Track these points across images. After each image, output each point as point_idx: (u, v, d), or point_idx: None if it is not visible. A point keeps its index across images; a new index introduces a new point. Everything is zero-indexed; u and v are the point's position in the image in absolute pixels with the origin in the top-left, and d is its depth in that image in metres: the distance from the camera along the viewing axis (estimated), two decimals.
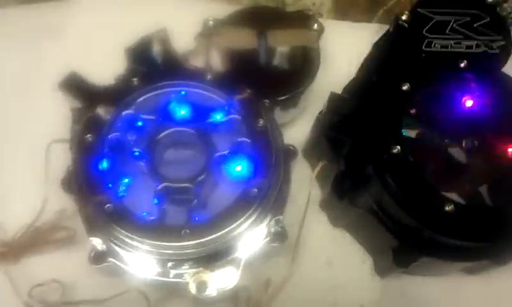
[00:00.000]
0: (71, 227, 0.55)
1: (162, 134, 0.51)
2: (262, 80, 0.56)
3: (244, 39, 0.59)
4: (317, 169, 0.57)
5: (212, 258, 0.49)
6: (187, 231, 0.45)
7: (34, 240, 0.55)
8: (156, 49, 0.54)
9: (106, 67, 0.55)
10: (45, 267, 0.55)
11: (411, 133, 0.52)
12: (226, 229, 0.46)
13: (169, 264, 0.48)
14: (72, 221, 0.55)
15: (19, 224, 0.56)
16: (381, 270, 0.58)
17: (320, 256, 0.59)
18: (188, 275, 0.48)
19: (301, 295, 0.56)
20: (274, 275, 0.56)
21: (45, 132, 0.58)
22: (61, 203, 0.55)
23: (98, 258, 0.49)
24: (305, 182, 0.59)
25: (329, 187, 0.58)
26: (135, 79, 0.51)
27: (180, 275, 0.49)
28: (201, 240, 0.45)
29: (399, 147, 0.49)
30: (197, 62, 0.56)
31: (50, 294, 0.53)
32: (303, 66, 0.59)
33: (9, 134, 0.62)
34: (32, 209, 0.56)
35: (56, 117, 0.58)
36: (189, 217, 0.47)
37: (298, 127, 0.64)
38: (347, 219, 0.58)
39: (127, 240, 0.46)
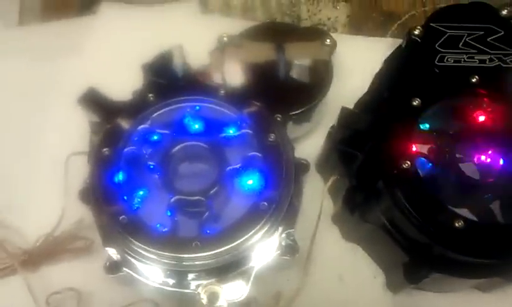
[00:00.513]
0: (88, 237, 0.57)
1: (176, 148, 0.52)
2: (275, 95, 0.57)
3: (258, 55, 0.60)
4: (329, 183, 0.57)
5: (224, 269, 0.49)
6: (198, 243, 0.46)
7: (53, 249, 0.57)
8: (172, 65, 0.56)
9: (124, 82, 0.57)
10: (62, 275, 0.57)
11: (422, 148, 0.52)
12: (237, 242, 0.47)
13: (182, 275, 0.50)
14: (89, 231, 0.57)
15: (38, 233, 0.57)
16: (393, 286, 0.58)
17: (331, 271, 0.59)
18: (200, 287, 0.50)
19: None
20: (285, 288, 0.57)
21: (64, 144, 0.60)
22: (79, 213, 0.57)
23: (113, 267, 0.50)
24: (318, 196, 0.60)
25: (341, 201, 0.58)
26: (151, 95, 0.53)
27: (191, 286, 0.50)
28: (212, 252, 0.46)
29: (409, 162, 0.49)
30: (211, 78, 0.57)
31: (66, 302, 0.54)
32: (315, 81, 0.60)
33: (31, 147, 0.64)
34: (51, 219, 0.58)
35: (75, 130, 0.60)
36: (200, 229, 0.48)
37: (311, 141, 0.65)
38: (359, 234, 0.59)
39: (139, 250, 0.47)
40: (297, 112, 0.57)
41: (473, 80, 0.53)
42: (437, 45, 0.57)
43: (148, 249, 0.46)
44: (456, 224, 0.47)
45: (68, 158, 0.59)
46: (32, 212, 0.60)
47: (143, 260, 0.47)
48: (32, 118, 0.66)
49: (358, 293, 0.58)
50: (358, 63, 0.66)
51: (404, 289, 0.57)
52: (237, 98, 0.54)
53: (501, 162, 0.53)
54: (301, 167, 0.55)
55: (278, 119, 0.54)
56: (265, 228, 0.48)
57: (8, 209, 0.60)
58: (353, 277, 0.59)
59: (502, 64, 0.57)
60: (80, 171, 0.55)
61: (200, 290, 0.49)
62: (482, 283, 0.56)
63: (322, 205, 0.58)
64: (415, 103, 0.51)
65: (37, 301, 0.54)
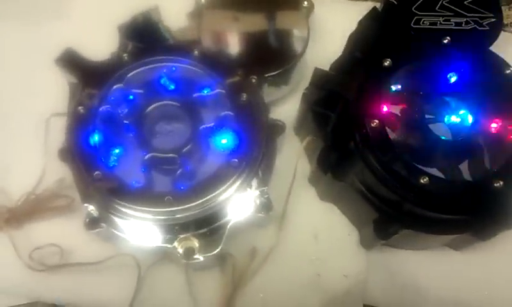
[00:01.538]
0: (69, 195, 0.58)
1: (151, 107, 0.53)
2: (251, 57, 0.58)
3: (235, 17, 0.60)
4: (304, 143, 0.58)
5: (198, 224, 0.51)
6: (170, 198, 0.48)
7: (35, 207, 0.58)
8: (148, 26, 0.57)
9: (104, 44, 0.58)
10: (45, 232, 0.58)
11: (393, 109, 0.53)
12: (208, 197, 0.48)
13: (158, 230, 0.51)
14: (70, 190, 0.58)
15: (21, 192, 0.59)
16: (366, 243, 0.59)
17: (306, 229, 0.60)
18: (175, 242, 0.51)
19: (286, 266, 0.58)
20: (261, 245, 0.59)
21: (45, 106, 0.61)
22: (60, 172, 0.58)
23: (92, 223, 0.52)
24: (295, 157, 0.61)
25: (314, 162, 0.59)
26: (125, 55, 0.53)
27: (169, 241, 0.52)
28: (183, 206, 0.48)
29: (377, 121, 0.50)
30: (187, 40, 0.58)
31: (49, 257, 0.56)
32: (291, 44, 0.60)
33: (12, 108, 0.65)
34: (33, 178, 0.60)
35: (55, 92, 0.61)
36: (173, 185, 0.50)
37: (289, 104, 0.66)
38: (333, 193, 0.60)
39: (115, 206, 0.49)
40: (272, 74, 0.58)
41: (445, 41, 0.54)
42: (414, 8, 0.57)
43: (122, 203, 0.48)
44: (422, 181, 0.48)
45: (49, 119, 0.60)
46: (15, 171, 0.62)
47: (119, 215, 0.49)
48: (13, 79, 0.67)
49: (333, 251, 0.60)
50: (336, 26, 0.66)
51: (377, 246, 0.59)
52: (212, 59, 0.54)
53: (470, 121, 0.54)
54: (277, 128, 0.56)
55: (253, 80, 0.54)
56: (237, 184, 0.49)
57: None
58: (328, 235, 0.60)
59: (477, 27, 0.57)
60: (60, 131, 0.56)
61: (175, 244, 0.51)
62: (454, 240, 0.58)
63: (297, 165, 0.59)
64: (386, 64, 0.52)
65: (21, 257, 0.56)
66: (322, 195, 0.62)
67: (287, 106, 0.65)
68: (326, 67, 0.60)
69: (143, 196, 0.48)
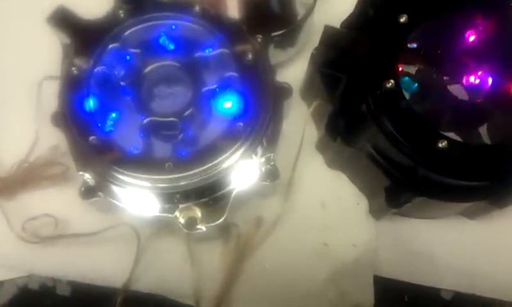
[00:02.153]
0: (64, 163, 0.55)
1: (149, 68, 0.50)
2: (255, 16, 0.54)
3: None
4: (312, 108, 0.55)
5: (201, 193, 0.48)
6: (171, 164, 0.45)
7: (28, 175, 0.56)
8: None
9: (97, 1, 0.54)
10: (38, 202, 0.55)
11: (409, 68, 0.50)
12: (211, 164, 0.45)
13: (158, 199, 0.48)
14: (65, 158, 0.55)
15: (13, 160, 0.56)
16: (376, 212, 0.57)
17: (313, 197, 0.58)
18: (177, 211, 0.49)
19: (293, 235, 0.56)
20: (267, 214, 0.56)
21: (37, 68, 0.58)
22: (54, 139, 0.55)
23: (89, 193, 0.49)
24: (302, 122, 0.58)
25: (322, 128, 0.56)
26: (121, 12, 0.50)
27: (169, 211, 0.49)
28: (185, 173, 0.45)
29: (392, 82, 0.47)
30: None
31: (43, 228, 0.53)
32: (296, 2, 0.56)
33: (1, 71, 0.62)
34: (25, 145, 0.56)
35: (47, 53, 0.57)
36: (174, 151, 0.47)
37: (296, 66, 0.62)
38: (342, 160, 0.57)
39: (114, 173, 0.46)
40: (278, 33, 0.54)
41: None
42: None
43: (120, 170, 0.45)
44: (440, 145, 0.45)
45: (41, 83, 0.56)
46: (6, 138, 0.58)
47: (116, 183, 0.46)
48: (3, 41, 0.63)
49: (341, 219, 0.57)
50: None
51: (386, 215, 0.57)
52: (214, 16, 0.51)
53: (489, 82, 0.51)
54: (283, 91, 0.53)
55: (259, 40, 0.51)
56: (241, 150, 0.46)
57: None
58: (336, 204, 0.58)
59: None
60: (54, 95, 0.53)
61: (177, 214, 0.49)
62: (468, 209, 0.55)
63: (304, 131, 0.56)
64: (402, 20, 0.49)
65: (13, 228, 0.53)
66: (329, 162, 0.59)
67: (293, 69, 0.62)
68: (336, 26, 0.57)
69: (142, 162, 0.45)
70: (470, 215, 0.57)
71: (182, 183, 0.45)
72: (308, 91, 0.59)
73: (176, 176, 0.45)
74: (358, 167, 0.55)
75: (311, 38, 0.63)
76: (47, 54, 0.58)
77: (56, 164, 0.55)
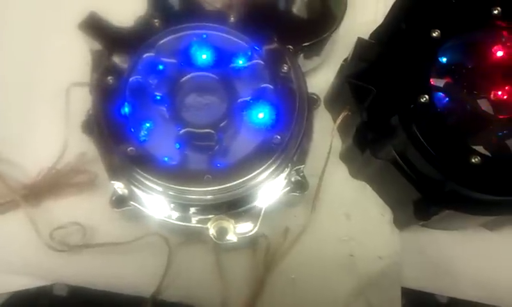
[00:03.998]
0: (91, 171, 0.55)
1: (184, 79, 0.50)
2: (286, 25, 0.54)
3: None
4: (340, 119, 0.55)
5: (233, 204, 0.48)
6: (209, 176, 0.45)
7: (55, 183, 0.55)
8: None
9: (127, 8, 0.53)
10: (65, 210, 0.55)
11: (438, 82, 0.51)
12: (249, 176, 0.45)
13: (191, 209, 0.48)
14: (92, 165, 0.55)
15: (39, 167, 0.56)
16: (400, 224, 0.58)
17: (339, 208, 0.58)
18: (209, 222, 0.49)
19: (319, 246, 0.56)
20: (292, 225, 0.56)
21: (64, 74, 0.58)
22: (81, 146, 0.55)
23: (120, 201, 0.49)
24: (325, 133, 0.58)
25: (349, 138, 0.57)
26: (156, 21, 0.50)
27: (201, 221, 0.49)
28: (223, 185, 0.45)
29: (426, 96, 0.47)
30: (220, 5, 0.54)
31: (71, 236, 0.53)
32: (328, 12, 0.57)
33: (29, 77, 0.61)
34: (52, 152, 0.56)
35: (75, 60, 0.57)
36: (210, 162, 0.47)
37: (320, 76, 0.62)
38: (367, 172, 0.58)
39: (149, 183, 0.46)
40: (309, 43, 0.54)
41: (495, 12, 0.51)
42: None
43: (159, 181, 0.45)
44: (473, 160, 0.46)
45: (69, 89, 0.56)
46: (32, 145, 0.58)
47: (153, 193, 0.46)
48: (32, 46, 0.63)
49: (365, 231, 0.57)
50: None
51: (411, 227, 0.57)
52: (248, 27, 0.51)
53: None
54: (311, 102, 0.53)
55: (290, 50, 0.51)
56: (278, 162, 0.46)
57: (7, 143, 0.58)
58: (360, 215, 0.58)
59: None
60: (82, 102, 0.53)
61: (209, 224, 0.49)
62: (490, 221, 0.56)
63: (332, 142, 0.56)
64: (434, 35, 0.49)
65: (41, 236, 0.53)
66: (354, 173, 0.60)
67: (317, 79, 0.62)
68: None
69: (180, 174, 0.45)
70: (492, 227, 0.58)
71: (219, 195, 0.46)
72: (334, 102, 0.59)
73: (214, 188, 0.45)
74: (385, 178, 0.55)
75: (335, 48, 0.63)
76: (74, 60, 0.57)
77: (83, 172, 0.55)
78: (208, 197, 0.45)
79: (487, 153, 0.49)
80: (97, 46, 0.52)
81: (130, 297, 0.53)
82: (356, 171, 0.59)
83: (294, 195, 0.51)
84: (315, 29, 0.55)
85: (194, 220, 0.49)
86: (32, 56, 0.62)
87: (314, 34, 0.55)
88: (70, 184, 0.55)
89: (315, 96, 0.53)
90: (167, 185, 0.45)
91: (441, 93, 0.50)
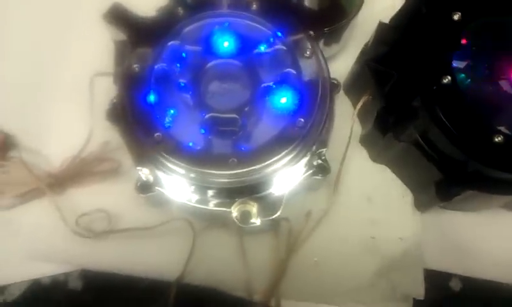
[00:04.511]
0: (115, 159, 0.56)
1: (208, 66, 0.50)
2: (307, 11, 0.55)
3: None
4: (361, 103, 0.56)
5: (256, 188, 0.49)
6: (235, 160, 0.45)
7: (80, 171, 0.56)
8: None
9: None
10: (90, 198, 0.56)
11: (460, 64, 0.51)
12: (273, 159, 0.46)
13: (215, 194, 0.49)
14: (115, 153, 0.56)
15: (64, 156, 0.57)
16: (421, 206, 0.58)
17: (360, 192, 0.59)
18: (232, 205, 0.49)
19: (341, 229, 0.57)
20: (314, 208, 0.57)
21: (88, 65, 0.58)
22: (105, 135, 0.56)
23: (145, 187, 0.50)
24: (345, 118, 0.59)
25: (369, 123, 0.57)
26: (180, 9, 0.50)
27: (224, 205, 0.50)
28: (248, 168, 0.46)
29: (449, 77, 0.48)
30: None
31: (96, 223, 0.54)
32: None
33: (53, 67, 0.62)
34: (76, 142, 0.57)
35: (99, 50, 0.58)
36: (235, 147, 0.47)
37: (339, 63, 0.63)
38: (388, 155, 0.58)
39: (175, 168, 0.46)
40: (330, 28, 0.55)
41: None
42: None
43: (185, 165, 0.45)
44: (496, 140, 0.47)
45: (93, 79, 0.57)
46: (57, 134, 0.59)
47: (178, 177, 0.47)
48: (56, 36, 0.63)
49: (386, 213, 0.58)
50: None
51: (432, 208, 0.58)
52: (270, 13, 0.51)
53: None
54: (332, 87, 0.53)
55: (311, 35, 0.51)
56: (302, 145, 0.47)
57: (32, 132, 0.59)
58: (381, 197, 0.59)
59: None
60: (105, 92, 0.54)
61: (232, 208, 0.49)
62: (510, 202, 0.57)
63: (353, 126, 0.57)
64: (455, 17, 0.50)
65: (66, 223, 0.53)
66: (374, 157, 0.60)
67: (336, 65, 0.63)
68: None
69: (205, 158, 0.46)
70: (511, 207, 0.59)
71: (244, 178, 0.46)
72: (354, 87, 0.60)
73: (239, 171, 0.45)
74: (406, 161, 0.56)
75: (354, 35, 0.64)
76: (98, 50, 0.58)
77: (107, 160, 0.56)
78: (233, 180, 0.46)
79: (509, 133, 0.50)
80: (120, 36, 0.53)
81: (155, 282, 0.54)
82: (377, 155, 0.59)
83: (316, 179, 0.52)
84: (335, 14, 0.56)
85: (218, 204, 0.50)
86: (57, 46, 0.63)
87: (334, 19, 0.55)
88: (94, 172, 0.56)
89: (335, 82, 0.54)
90: (193, 168, 0.45)
91: (463, 75, 0.50)
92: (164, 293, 0.53)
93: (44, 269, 0.55)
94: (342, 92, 0.61)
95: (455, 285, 0.57)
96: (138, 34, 0.50)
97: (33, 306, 0.55)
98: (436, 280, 0.56)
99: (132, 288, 0.55)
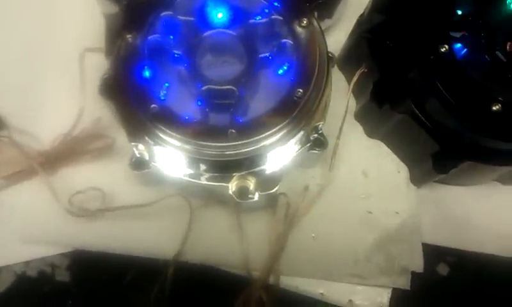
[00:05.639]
0: (109, 135, 0.55)
1: (203, 36, 0.49)
2: None
3: None
4: (357, 75, 0.55)
5: (254, 163, 0.48)
6: (233, 131, 0.45)
7: (72, 149, 0.55)
8: None
9: None
10: (83, 176, 0.55)
11: (457, 34, 0.51)
12: (272, 130, 0.45)
13: (212, 168, 0.48)
14: (109, 130, 0.55)
15: (55, 135, 0.55)
16: (417, 180, 0.58)
17: (356, 167, 0.58)
18: (230, 180, 0.48)
19: (338, 203, 0.57)
20: (312, 184, 0.57)
21: (77, 40, 0.57)
22: (96, 112, 0.55)
23: (139, 164, 0.49)
24: (339, 93, 0.58)
25: (364, 97, 0.57)
26: None
27: (222, 180, 0.49)
28: (248, 140, 0.45)
29: (446, 46, 0.47)
30: None
31: (90, 201, 0.53)
32: None
33: (41, 44, 0.61)
34: (68, 119, 0.55)
35: (88, 25, 0.56)
36: (233, 118, 0.46)
37: (332, 38, 0.62)
38: (384, 129, 0.58)
39: (172, 141, 0.45)
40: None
41: None
42: None
43: (182, 137, 0.44)
44: (494, 108, 0.47)
45: (82, 55, 0.55)
46: (47, 113, 0.58)
47: (176, 150, 0.46)
48: (43, 12, 0.62)
49: (382, 188, 0.58)
50: None
51: (427, 182, 0.58)
52: None
53: None
54: (329, 59, 0.53)
55: (307, 6, 0.51)
56: (300, 117, 0.46)
57: (22, 112, 0.57)
58: (377, 172, 0.58)
59: None
60: (96, 68, 0.52)
61: (230, 183, 0.48)
62: (505, 173, 0.57)
63: (349, 99, 0.57)
64: None
65: (60, 202, 0.52)
66: (369, 132, 0.60)
67: (329, 40, 0.61)
68: None
69: (204, 129, 0.45)
70: (505, 180, 0.59)
71: (243, 150, 0.45)
72: (348, 61, 0.59)
73: (238, 142, 0.44)
74: (402, 134, 0.55)
75: (346, 10, 0.63)
76: (87, 25, 0.57)
77: (100, 137, 0.55)
78: (231, 152, 0.45)
79: (507, 101, 0.49)
80: (111, 9, 0.51)
81: (152, 260, 0.53)
82: (372, 130, 0.59)
83: (313, 153, 0.51)
84: None
85: (215, 179, 0.49)
86: (44, 22, 0.61)
87: None
88: (87, 150, 0.55)
89: (330, 55, 0.53)
90: (191, 140, 0.44)
91: (459, 44, 0.49)
92: (162, 271, 0.52)
93: (38, 251, 0.54)
94: (336, 68, 0.61)
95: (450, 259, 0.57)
96: (130, 4, 0.48)
97: (21, 298, 0.54)
98: (431, 253, 0.56)
99: (128, 268, 0.54)
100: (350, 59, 0.59)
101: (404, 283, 0.54)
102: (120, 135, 0.52)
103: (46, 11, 0.62)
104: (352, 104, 0.61)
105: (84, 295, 0.54)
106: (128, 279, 0.54)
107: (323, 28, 0.60)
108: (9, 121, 0.57)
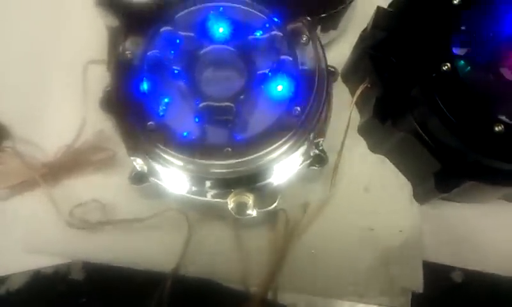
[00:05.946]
0: (110, 148, 0.55)
1: (202, 52, 0.49)
2: None
3: None
4: (360, 90, 0.55)
5: (253, 179, 0.48)
6: (229, 149, 0.44)
7: (74, 161, 0.55)
8: None
9: None
10: (85, 188, 0.55)
11: (460, 51, 0.50)
12: (269, 148, 0.45)
13: (210, 184, 0.48)
14: (110, 142, 0.55)
15: (58, 146, 0.56)
16: (420, 197, 0.57)
17: (358, 182, 0.58)
18: (228, 196, 0.48)
19: (339, 220, 0.56)
20: (312, 200, 0.56)
21: (81, 52, 0.57)
22: (99, 124, 0.55)
23: (139, 178, 0.49)
24: (342, 107, 0.58)
25: (368, 112, 0.56)
26: None
27: (220, 196, 0.49)
28: (244, 158, 0.44)
29: (449, 64, 0.46)
30: None
31: (91, 213, 0.53)
32: None
33: (46, 56, 0.61)
34: (70, 131, 0.56)
35: (92, 38, 0.57)
36: (230, 136, 0.46)
37: (337, 50, 0.62)
38: (386, 145, 0.57)
39: (169, 158, 0.45)
40: (327, 14, 0.54)
41: None
42: None
43: (179, 155, 0.44)
44: (496, 129, 0.46)
45: (86, 67, 0.56)
46: (50, 124, 0.58)
47: (172, 168, 0.46)
48: (48, 24, 0.62)
49: (385, 204, 0.57)
50: None
51: (431, 200, 0.57)
52: None
53: None
54: (330, 75, 0.52)
55: (308, 21, 0.50)
56: (298, 134, 0.46)
57: (25, 122, 0.58)
58: (379, 189, 0.58)
59: None
60: (99, 79, 0.53)
61: (228, 199, 0.48)
62: (510, 194, 0.56)
63: (351, 114, 0.56)
64: (455, 2, 0.48)
65: (61, 214, 0.53)
66: (373, 147, 0.59)
67: (334, 52, 0.62)
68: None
69: (200, 147, 0.45)
70: (511, 198, 0.58)
71: (239, 168, 0.45)
72: (352, 75, 0.59)
73: (234, 161, 0.44)
74: (405, 151, 0.55)
75: (352, 22, 0.62)
76: (92, 38, 0.57)
77: (101, 149, 0.55)
78: (228, 170, 0.45)
79: (510, 122, 0.48)
80: (114, 22, 0.52)
81: (150, 273, 0.53)
82: (375, 145, 0.58)
83: (313, 169, 0.51)
84: (330, 1, 0.54)
85: (213, 195, 0.49)
86: (49, 34, 0.62)
87: (332, 4, 0.54)
88: (89, 162, 0.55)
89: (332, 69, 0.52)
90: (187, 158, 0.44)
91: (462, 62, 0.48)
92: (159, 285, 0.52)
93: (38, 261, 0.55)
94: (339, 80, 0.61)
95: (456, 277, 0.56)
96: (131, 19, 0.49)
97: (36, 296, 0.54)
98: (435, 273, 0.55)
99: (126, 281, 0.54)
100: (354, 72, 0.58)
101: (404, 303, 0.53)
102: (121, 148, 0.51)
103: (51, 23, 0.62)
104: (356, 117, 0.60)
105: (98, 294, 0.54)
106: (125, 292, 0.54)
107: (328, 40, 0.60)
108: (14, 131, 0.58)
